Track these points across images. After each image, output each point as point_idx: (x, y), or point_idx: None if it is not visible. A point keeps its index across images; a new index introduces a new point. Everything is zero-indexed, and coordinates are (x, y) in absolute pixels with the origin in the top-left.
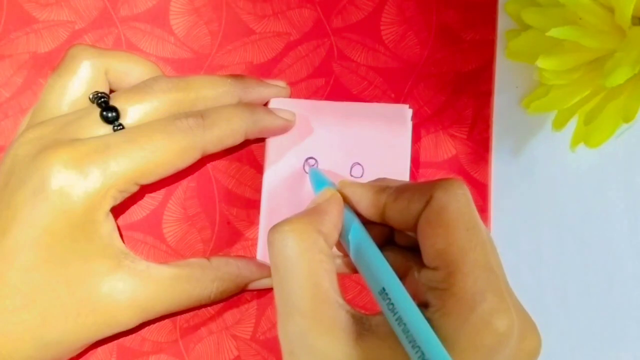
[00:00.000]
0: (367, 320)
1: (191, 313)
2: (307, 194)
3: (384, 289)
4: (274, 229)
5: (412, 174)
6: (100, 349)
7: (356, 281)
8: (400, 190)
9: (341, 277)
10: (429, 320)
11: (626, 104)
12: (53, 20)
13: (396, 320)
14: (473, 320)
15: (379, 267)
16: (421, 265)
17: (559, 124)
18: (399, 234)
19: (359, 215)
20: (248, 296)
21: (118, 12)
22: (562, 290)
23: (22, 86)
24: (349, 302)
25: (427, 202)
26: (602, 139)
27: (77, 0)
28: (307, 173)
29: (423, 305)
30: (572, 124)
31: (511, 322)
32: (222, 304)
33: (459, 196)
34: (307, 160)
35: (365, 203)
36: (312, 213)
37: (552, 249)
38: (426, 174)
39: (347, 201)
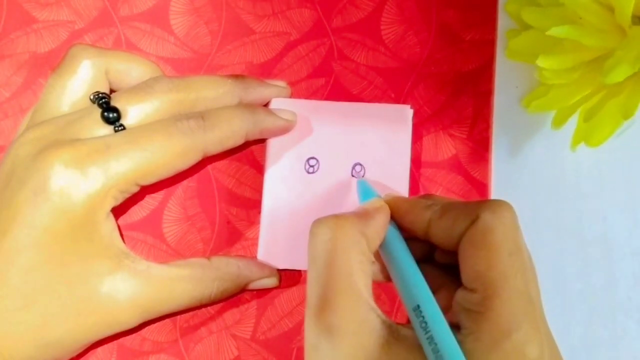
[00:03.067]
0: (397, 329)
1: (191, 313)
2: (309, 193)
3: (418, 306)
4: (319, 220)
5: (412, 174)
6: (100, 349)
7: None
8: (446, 209)
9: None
10: (460, 342)
11: (626, 102)
12: (53, 20)
13: (427, 339)
14: (505, 348)
15: (416, 284)
16: (457, 284)
17: (558, 122)
18: (439, 252)
19: (402, 229)
20: (248, 296)
21: (118, 12)
22: (561, 289)
23: (22, 86)
24: None
25: (473, 222)
26: (602, 138)
27: (77, 0)
28: (309, 173)
29: (455, 326)
30: (573, 123)
31: (542, 352)
32: (222, 303)
33: (506, 219)
34: (308, 160)
35: (410, 218)
36: (360, 215)
37: (552, 248)
38: (426, 173)
39: (392, 213)
